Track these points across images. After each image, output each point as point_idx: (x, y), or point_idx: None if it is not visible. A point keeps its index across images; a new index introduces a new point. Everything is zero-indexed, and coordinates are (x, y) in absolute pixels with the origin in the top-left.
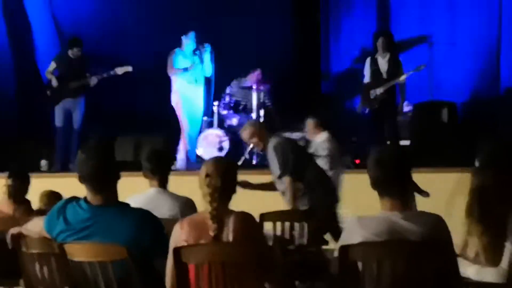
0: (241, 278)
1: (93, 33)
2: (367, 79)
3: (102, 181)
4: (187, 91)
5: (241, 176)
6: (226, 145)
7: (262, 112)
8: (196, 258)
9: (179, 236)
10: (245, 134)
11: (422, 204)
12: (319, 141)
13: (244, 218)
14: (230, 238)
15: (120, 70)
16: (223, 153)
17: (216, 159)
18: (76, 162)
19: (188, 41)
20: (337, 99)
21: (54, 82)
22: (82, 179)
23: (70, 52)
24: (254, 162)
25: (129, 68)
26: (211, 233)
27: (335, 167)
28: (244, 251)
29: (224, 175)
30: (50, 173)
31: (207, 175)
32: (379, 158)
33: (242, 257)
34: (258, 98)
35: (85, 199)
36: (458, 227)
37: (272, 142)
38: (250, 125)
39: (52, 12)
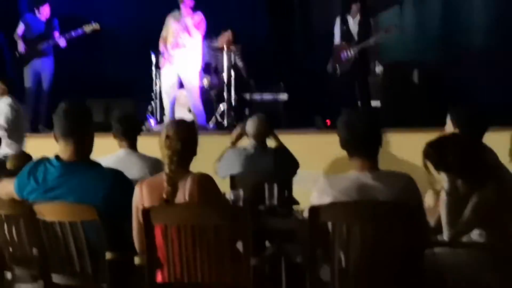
0: (208, 240)
1: None
2: (337, 39)
3: (77, 135)
4: None
5: (211, 137)
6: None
7: (232, 73)
8: (156, 219)
9: (138, 197)
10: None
11: (393, 165)
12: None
13: (200, 179)
14: (185, 200)
15: (87, 28)
16: (192, 115)
17: (177, 122)
18: (55, 113)
19: None
20: (309, 59)
21: (21, 46)
22: (56, 134)
23: (37, 12)
24: (224, 123)
25: (97, 26)
26: (164, 196)
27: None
28: (200, 212)
29: (184, 138)
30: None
31: (167, 137)
32: (348, 120)
33: (199, 218)
34: (229, 59)
35: (57, 157)
36: (427, 188)
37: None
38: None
39: None
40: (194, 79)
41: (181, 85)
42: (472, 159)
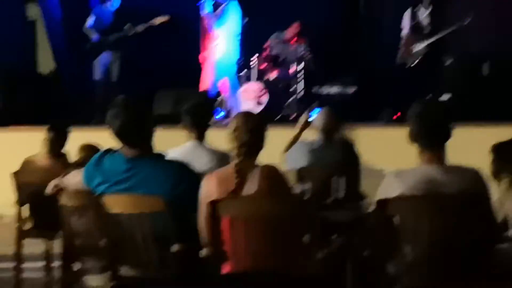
0: (275, 232)
1: None
2: (405, 30)
3: (132, 137)
4: None
5: (279, 131)
6: (264, 99)
7: (301, 66)
8: (224, 211)
9: (206, 189)
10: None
11: (463, 159)
12: None
13: (268, 171)
14: (253, 192)
15: (157, 20)
16: (261, 107)
17: (246, 114)
18: (107, 119)
19: None
20: (379, 51)
21: (95, 36)
22: (113, 134)
23: (108, 4)
24: (292, 116)
25: (166, 18)
26: (232, 187)
27: None
28: (268, 204)
29: (252, 130)
30: (89, 126)
31: (235, 129)
32: (422, 112)
33: (266, 210)
34: (297, 52)
35: (121, 150)
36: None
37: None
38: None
39: None
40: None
41: (248, 78)
42: None
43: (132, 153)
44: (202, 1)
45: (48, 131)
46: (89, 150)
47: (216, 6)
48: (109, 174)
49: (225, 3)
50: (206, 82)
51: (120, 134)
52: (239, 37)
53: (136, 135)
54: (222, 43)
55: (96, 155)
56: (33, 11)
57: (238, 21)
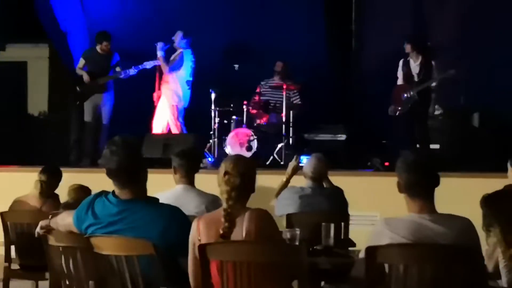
0: (264, 277)
1: (122, 28)
2: (399, 81)
3: (127, 176)
4: None
5: (269, 176)
6: (254, 144)
7: (291, 113)
8: (213, 255)
9: (195, 232)
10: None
11: (451, 209)
12: None
13: (258, 216)
14: (243, 236)
15: (148, 64)
16: (251, 153)
17: (236, 157)
18: (102, 156)
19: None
20: (369, 101)
21: (86, 78)
22: (108, 174)
23: (98, 47)
24: (281, 162)
25: (158, 62)
26: (221, 231)
27: None
28: (256, 249)
29: (243, 174)
30: (79, 167)
31: (226, 173)
32: (412, 161)
33: (255, 255)
34: (288, 98)
35: (113, 193)
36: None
37: None
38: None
39: (82, 8)
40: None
41: (238, 124)
42: None
43: (125, 195)
44: (156, 44)
45: (41, 173)
46: (80, 191)
47: (171, 51)
48: (100, 216)
49: (180, 51)
50: (159, 123)
51: (116, 171)
52: (189, 85)
53: (132, 173)
54: (173, 87)
55: (89, 198)
56: (24, 53)
57: (189, 69)
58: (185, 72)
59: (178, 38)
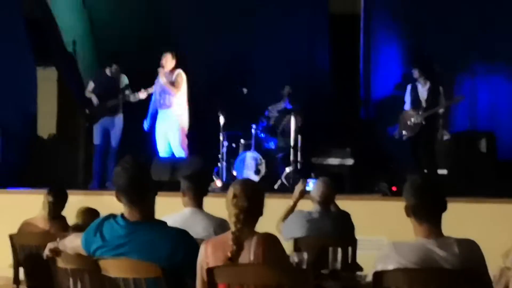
0: None
1: (132, 50)
2: (407, 106)
3: (137, 193)
4: None
5: (276, 200)
6: (262, 168)
7: (299, 137)
8: (220, 278)
9: (203, 255)
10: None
11: (458, 234)
12: None
13: (266, 240)
14: (250, 260)
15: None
16: (259, 176)
17: (244, 181)
18: (113, 175)
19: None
20: (376, 125)
21: (95, 100)
22: (118, 193)
23: (107, 70)
24: (289, 186)
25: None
26: (228, 254)
27: None
28: (264, 273)
29: (251, 197)
30: (87, 190)
31: (234, 196)
32: (419, 185)
33: (263, 279)
34: (296, 122)
35: (122, 215)
36: (495, 259)
37: None
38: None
39: (91, 30)
40: (178, 140)
41: (247, 147)
42: None
43: (133, 216)
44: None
45: (48, 194)
46: (89, 214)
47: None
48: (108, 239)
49: (179, 70)
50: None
51: (127, 187)
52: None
53: (141, 190)
54: (180, 109)
55: (97, 220)
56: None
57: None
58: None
59: (168, 59)
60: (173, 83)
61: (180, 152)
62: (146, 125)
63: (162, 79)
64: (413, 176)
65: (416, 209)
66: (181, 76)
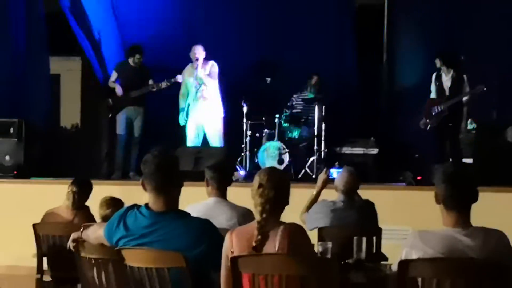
0: None
1: (155, 41)
2: (432, 95)
3: (164, 180)
4: None
5: (300, 189)
6: (286, 157)
7: (323, 126)
8: (245, 268)
9: (228, 245)
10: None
11: (484, 224)
12: None
13: (291, 230)
14: (275, 250)
15: (180, 78)
16: (283, 166)
17: (270, 170)
18: (142, 162)
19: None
20: (400, 114)
21: (119, 91)
22: (145, 180)
23: (131, 60)
24: (313, 175)
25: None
26: (253, 244)
27: None
28: (288, 263)
29: (277, 187)
30: (110, 180)
31: (260, 186)
32: (451, 173)
33: (287, 269)
34: (320, 111)
35: (146, 205)
36: None
37: None
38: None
39: (116, 21)
40: (218, 130)
41: (270, 137)
42: None
43: (158, 206)
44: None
45: (72, 185)
46: (112, 203)
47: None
48: (132, 228)
49: (212, 62)
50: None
51: (155, 172)
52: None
53: (169, 179)
54: (218, 99)
55: (120, 211)
56: (57, 65)
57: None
58: (214, 82)
59: (200, 51)
60: (209, 75)
61: (219, 141)
62: (182, 120)
63: (199, 72)
64: (446, 164)
65: (446, 197)
66: (216, 67)
